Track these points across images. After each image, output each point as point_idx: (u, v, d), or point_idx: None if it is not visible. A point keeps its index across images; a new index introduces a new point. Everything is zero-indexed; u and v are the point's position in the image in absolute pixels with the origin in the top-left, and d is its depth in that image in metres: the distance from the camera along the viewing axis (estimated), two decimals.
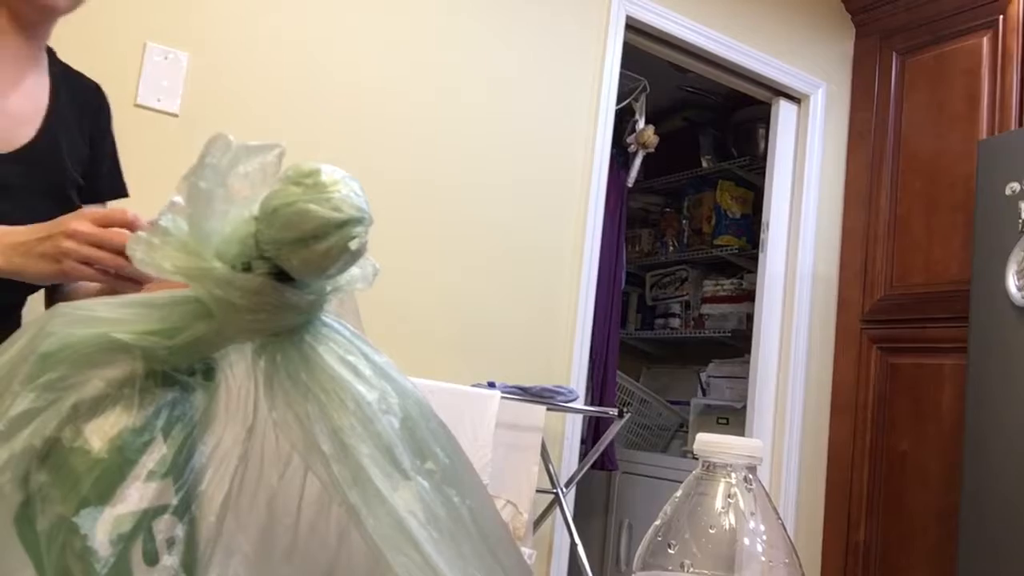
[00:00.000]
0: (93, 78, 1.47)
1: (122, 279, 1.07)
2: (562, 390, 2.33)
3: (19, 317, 1.36)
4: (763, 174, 3.38)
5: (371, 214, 0.60)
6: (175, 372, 0.58)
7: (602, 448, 2.54)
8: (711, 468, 0.66)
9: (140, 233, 0.58)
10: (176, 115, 2.05)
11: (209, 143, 0.59)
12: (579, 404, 2.50)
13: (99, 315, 0.57)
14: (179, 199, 0.58)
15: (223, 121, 2.12)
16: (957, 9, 3.14)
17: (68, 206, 1.25)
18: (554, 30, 2.70)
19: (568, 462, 2.64)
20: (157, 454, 0.56)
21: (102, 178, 1.44)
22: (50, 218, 1.12)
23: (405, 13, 2.42)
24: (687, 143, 4.14)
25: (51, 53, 1.39)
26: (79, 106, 1.40)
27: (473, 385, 2.27)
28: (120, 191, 1.49)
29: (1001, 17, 2.99)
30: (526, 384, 2.38)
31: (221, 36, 2.13)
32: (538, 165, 2.65)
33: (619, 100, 2.97)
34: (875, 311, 3.21)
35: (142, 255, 0.58)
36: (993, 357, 2.54)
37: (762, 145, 3.73)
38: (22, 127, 1.27)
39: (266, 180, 0.59)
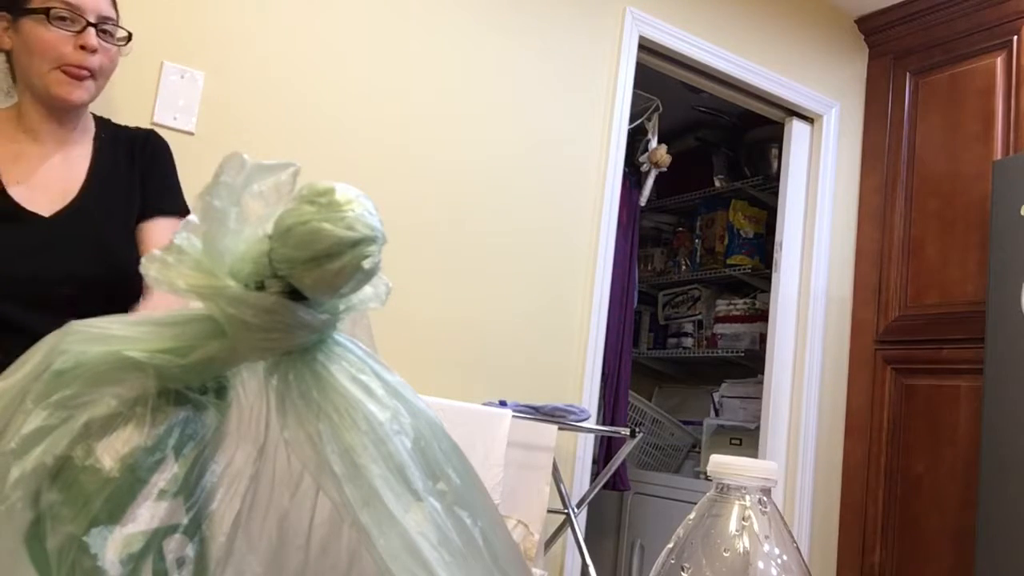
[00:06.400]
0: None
1: None
2: (574, 409, 2.32)
3: None
4: (776, 194, 3.38)
5: (384, 233, 0.60)
6: (187, 390, 0.58)
7: (614, 468, 2.52)
8: (725, 490, 0.65)
9: (155, 251, 0.58)
10: (192, 133, 2.06)
11: (224, 161, 0.60)
12: (591, 423, 2.48)
13: (112, 333, 0.57)
14: (194, 217, 0.58)
15: (238, 140, 2.13)
16: (971, 30, 3.13)
17: (108, 257, 1.48)
18: (567, 50, 2.71)
19: (580, 482, 2.63)
20: (168, 473, 0.55)
21: (149, 199, 1.62)
22: (89, 270, 1.44)
23: (420, 34, 2.43)
24: (700, 162, 4.14)
25: (104, 122, 1.64)
26: (129, 158, 1.61)
27: (484, 404, 2.26)
28: (166, 209, 1.63)
29: (1015, 38, 2.99)
30: (537, 403, 2.37)
31: (237, 55, 2.15)
32: (550, 183, 2.65)
33: (632, 119, 2.97)
34: (890, 332, 3.18)
35: (156, 273, 0.58)
36: (1010, 378, 2.51)
37: (775, 165, 3.72)
38: (63, 195, 1.51)
39: (280, 198, 0.60)
